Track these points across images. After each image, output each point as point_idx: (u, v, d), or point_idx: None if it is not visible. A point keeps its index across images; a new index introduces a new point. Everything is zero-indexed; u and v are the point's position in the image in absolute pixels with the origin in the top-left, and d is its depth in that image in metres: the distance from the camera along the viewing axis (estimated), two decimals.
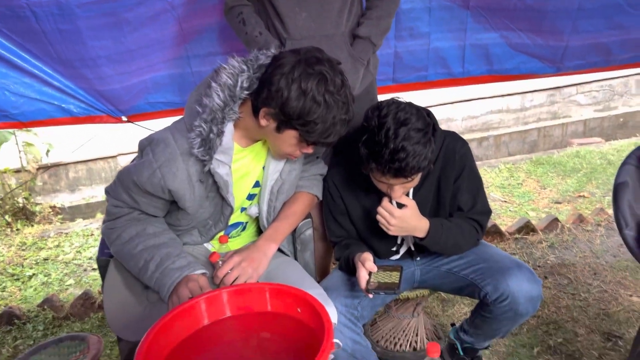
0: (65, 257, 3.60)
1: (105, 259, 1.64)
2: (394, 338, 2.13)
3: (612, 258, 2.88)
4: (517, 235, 3.09)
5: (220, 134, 1.40)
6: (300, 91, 1.31)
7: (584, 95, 5.03)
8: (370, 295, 1.55)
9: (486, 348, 2.00)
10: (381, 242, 1.82)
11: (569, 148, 4.73)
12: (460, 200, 1.74)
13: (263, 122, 1.40)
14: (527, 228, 3.11)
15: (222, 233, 1.65)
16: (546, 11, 2.12)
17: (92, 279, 3.26)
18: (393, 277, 1.57)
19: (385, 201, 1.58)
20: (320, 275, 2.12)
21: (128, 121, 2.50)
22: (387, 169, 1.45)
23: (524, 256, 2.92)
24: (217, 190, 1.50)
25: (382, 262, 1.79)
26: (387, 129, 1.43)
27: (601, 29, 2.22)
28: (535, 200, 3.86)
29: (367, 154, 1.49)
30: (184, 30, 2.12)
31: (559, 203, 3.77)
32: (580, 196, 3.83)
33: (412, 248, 1.83)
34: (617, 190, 1.60)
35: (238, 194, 1.58)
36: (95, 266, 3.25)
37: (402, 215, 1.56)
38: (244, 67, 1.41)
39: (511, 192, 3.92)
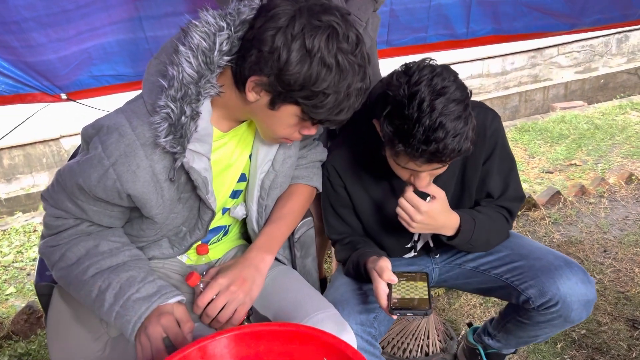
0: (4, 259, 3.13)
1: (46, 285, 1.29)
2: (402, 343, 1.86)
3: (620, 232, 2.67)
4: (518, 212, 2.84)
5: (196, 116, 1.03)
6: (305, 51, 0.94)
7: (565, 57, 4.82)
8: (395, 317, 1.23)
9: (514, 352, 1.73)
10: (393, 239, 1.50)
11: (553, 113, 4.52)
12: (489, 185, 1.43)
13: (251, 96, 1.03)
14: (528, 204, 2.86)
15: (199, 242, 1.28)
16: None
17: None
18: (420, 289, 1.26)
19: (409, 191, 1.25)
20: None
21: (68, 99, 2.06)
22: (419, 152, 1.11)
23: (528, 235, 2.68)
24: (192, 189, 1.13)
25: (401, 267, 1.48)
26: (420, 100, 1.08)
27: None
28: (525, 170, 3.63)
29: (393, 132, 1.14)
30: None
31: (551, 172, 3.55)
32: (571, 164, 3.62)
33: (431, 244, 1.52)
34: None
35: (219, 192, 1.22)
36: None
37: (430, 210, 1.25)
38: (222, 23, 1.02)
39: None
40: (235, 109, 1.11)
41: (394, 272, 1.24)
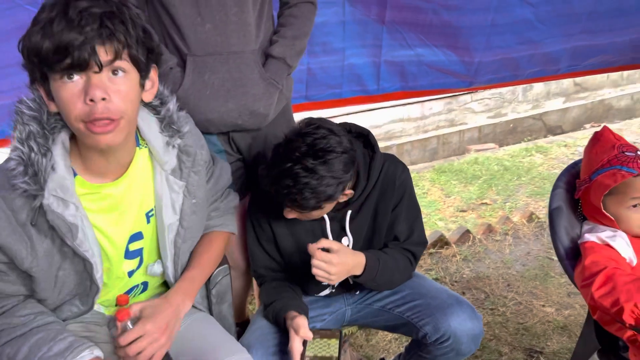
0: None
1: None
2: None
3: (522, 267, 2.93)
4: (431, 250, 3.06)
5: (46, 152, 1.07)
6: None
7: (477, 103, 5.22)
8: None
9: None
10: (311, 276, 1.62)
11: (467, 155, 4.87)
12: (397, 230, 1.60)
13: (51, 106, 1.07)
14: (440, 242, 3.08)
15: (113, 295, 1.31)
16: (461, 27, 2.08)
17: None
18: (331, 347, 1.41)
19: (317, 253, 1.38)
20: (237, 316, 1.87)
21: None
22: (285, 201, 1.38)
23: (440, 271, 2.88)
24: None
25: (318, 310, 1.61)
26: (293, 162, 1.33)
27: (512, 44, 2.22)
28: (441, 209, 3.88)
29: (266, 181, 1.39)
30: None
31: (464, 211, 3.82)
32: (483, 203, 3.91)
33: (351, 281, 1.65)
34: (553, 217, 1.53)
35: (108, 250, 1.23)
36: None
37: (340, 260, 1.40)
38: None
39: (419, 202, 3.92)
40: (85, 151, 1.13)
41: (310, 329, 1.38)
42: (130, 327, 1.14)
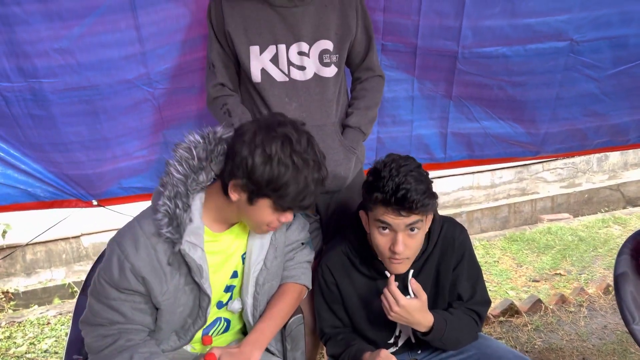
0: (17, 350, 3.27)
1: None
2: None
3: (599, 341, 2.82)
4: (501, 319, 3.02)
5: (187, 208, 1.33)
6: (266, 156, 1.26)
7: (549, 172, 5.17)
8: None
9: None
10: (378, 333, 1.70)
11: (540, 224, 4.79)
12: (460, 289, 1.67)
13: (234, 196, 1.33)
14: (511, 310, 3.04)
15: (200, 332, 1.51)
16: (527, 101, 2.17)
17: None
18: None
19: (392, 285, 1.49)
20: None
21: (99, 205, 2.37)
22: (391, 198, 1.42)
23: (511, 340, 2.83)
24: (191, 278, 1.39)
25: None
26: (390, 167, 1.45)
27: (578, 116, 2.28)
28: (513, 278, 3.82)
29: (371, 187, 1.47)
30: (163, 119, 2.06)
31: (537, 281, 3.74)
32: (556, 274, 3.82)
33: (413, 340, 1.72)
34: (618, 282, 1.55)
35: (215, 284, 1.45)
36: None
37: (408, 305, 1.48)
38: (199, 139, 1.37)
39: (489, 270, 3.89)
40: (225, 210, 1.40)
41: None
42: None
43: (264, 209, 1.34)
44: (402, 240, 1.48)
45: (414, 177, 1.43)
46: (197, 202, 1.37)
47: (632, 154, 5.43)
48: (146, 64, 1.86)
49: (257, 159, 1.26)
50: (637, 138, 2.46)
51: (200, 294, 1.42)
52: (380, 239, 1.51)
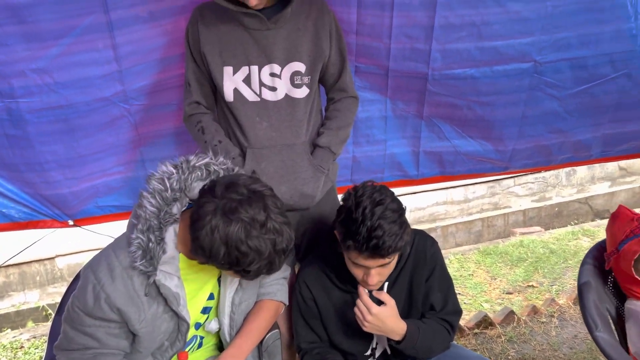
0: None
1: None
2: None
3: (569, 350, 2.90)
4: (476, 330, 3.08)
5: (160, 241, 1.33)
6: (224, 243, 1.25)
7: (521, 187, 5.31)
8: None
9: None
10: (355, 345, 1.74)
11: (512, 237, 4.90)
12: (432, 300, 1.72)
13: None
14: (485, 322, 3.10)
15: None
16: (494, 120, 2.26)
17: None
18: None
19: (363, 295, 1.53)
20: None
21: (75, 225, 2.36)
22: (364, 247, 1.42)
23: (485, 352, 2.89)
24: (169, 306, 1.40)
25: None
26: (363, 208, 1.43)
27: (543, 133, 2.37)
28: (487, 291, 3.90)
29: (344, 232, 1.46)
30: (140, 135, 2.08)
31: (510, 294, 3.82)
32: (529, 286, 3.91)
33: (389, 351, 1.76)
34: (582, 291, 1.62)
35: (192, 309, 1.47)
36: None
37: (380, 313, 1.53)
38: (172, 169, 1.38)
39: (464, 284, 3.96)
40: None
41: None
42: None
43: (232, 275, 1.40)
44: (375, 273, 1.52)
45: (386, 219, 1.42)
46: (171, 233, 1.37)
47: (598, 168, 5.62)
48: (123, 81, 1.88)
49: (215, 247, 1.26)
50: (599, 153, 2.56)
51: (179, 320, 1.44)
52: (354, 270, 1.56)
